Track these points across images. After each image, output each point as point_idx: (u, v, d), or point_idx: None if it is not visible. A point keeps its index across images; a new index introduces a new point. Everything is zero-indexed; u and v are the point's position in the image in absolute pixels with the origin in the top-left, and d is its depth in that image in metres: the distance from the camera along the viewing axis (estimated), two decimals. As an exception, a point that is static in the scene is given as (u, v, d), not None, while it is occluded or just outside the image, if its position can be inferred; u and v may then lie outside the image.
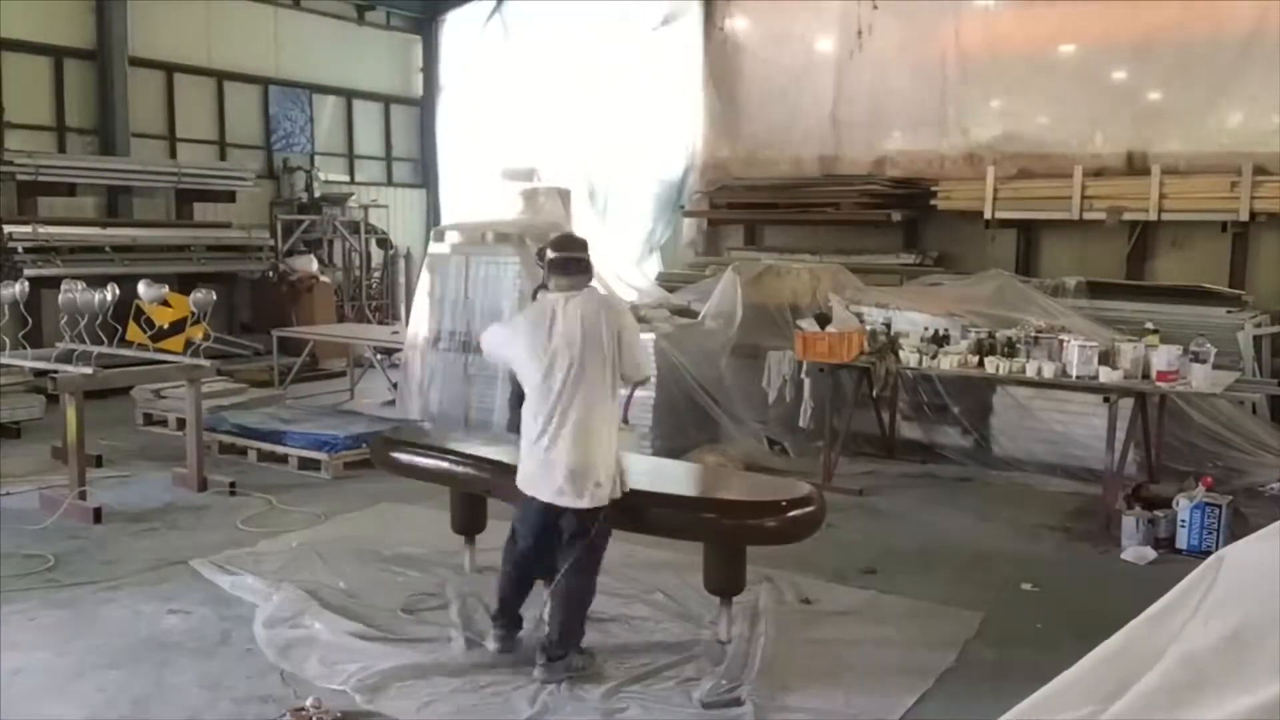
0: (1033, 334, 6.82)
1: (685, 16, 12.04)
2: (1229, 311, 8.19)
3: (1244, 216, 8.85)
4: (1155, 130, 9.56)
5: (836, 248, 10.70)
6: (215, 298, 7.36)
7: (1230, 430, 7.49)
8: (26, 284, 6.87)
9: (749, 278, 8.84)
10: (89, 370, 6.29)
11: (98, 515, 5.98)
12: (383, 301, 13.72)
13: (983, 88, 10.39)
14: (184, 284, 8.62)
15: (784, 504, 4.30)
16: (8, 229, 9.72)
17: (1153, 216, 9.20)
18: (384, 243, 13.91)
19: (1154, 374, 6.20)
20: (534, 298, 4.65)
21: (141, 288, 7.19)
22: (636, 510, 4.52)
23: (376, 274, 13.84)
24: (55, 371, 6.36)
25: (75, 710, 3.76)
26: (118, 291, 6.74)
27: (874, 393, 7.24)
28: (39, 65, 10.94)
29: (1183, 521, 5.74)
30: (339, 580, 5.05)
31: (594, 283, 4.32)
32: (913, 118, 10.70)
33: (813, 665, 4.20)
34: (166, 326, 7.83)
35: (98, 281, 6.79)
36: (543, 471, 4.03)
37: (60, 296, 6.59)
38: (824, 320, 7.24)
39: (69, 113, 11.17)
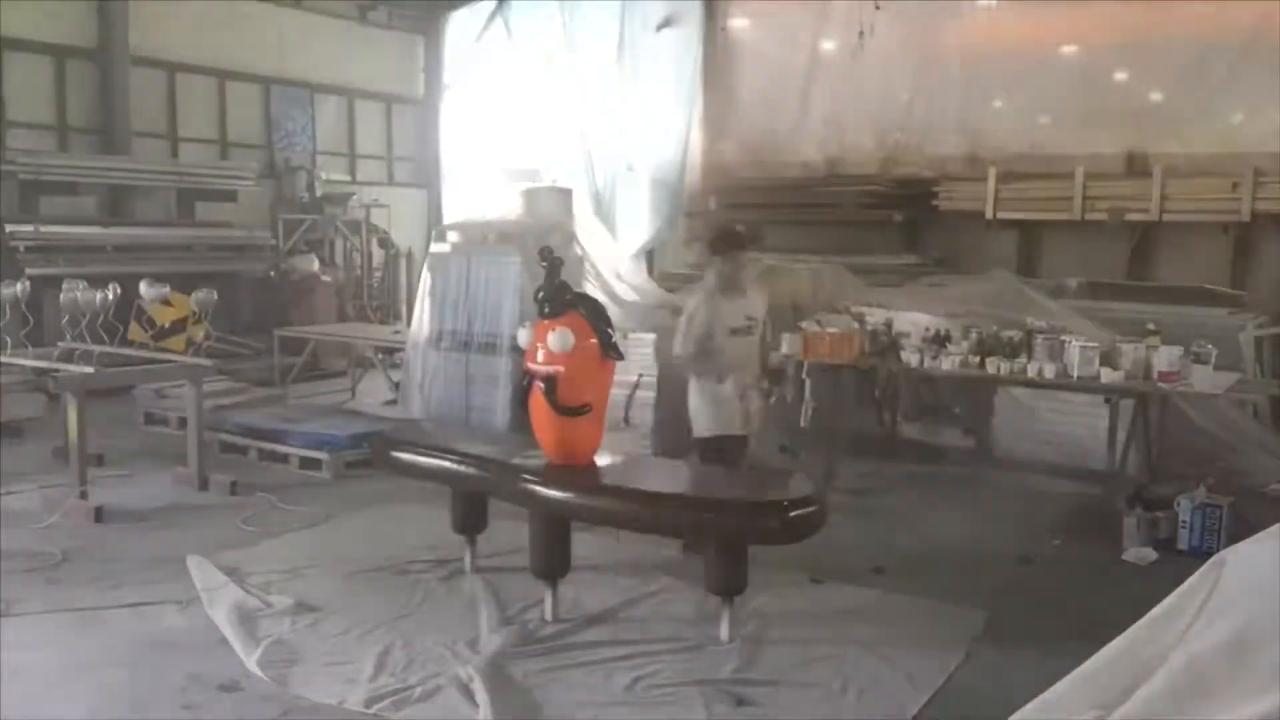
0: (1034, 335, 6.82)
1: (686, 17, 12.03)
2: (1230, 313, 8.18)
3: (1245, 217, 8.86)
4: (1156, 131, 9.56)
5: (838, 248, 10.69)
6: (216, 297, 7.38)
7: (1231, 432, 7.48)
8: (28, 283, 6.88)
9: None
10: (90, 369, 6.29)
11: (99, 514, 5.98)
12: (384, 301, 13.72)
13: (984, 88, 10.39)
14: (185, 283, 8.62)
15: (786, 504, 4.29)
16: (9, 228, 9.73)
17: (1154, 217, 9.20)
18: (385, 242, 13.91)
19: (1155, 375, 6.19)
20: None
21: (143, 287, 7.21)
22: (638, 510, 4.54)
23: (378, 274, 13.84)
24: (57, 371, 6.36)
25: (75, 710, 3.76)
26: (119, 291, 6.74)
27: (875, 393, 7.25)
28: (41, 64, 10.93)
29: (1184, 523, 5.74)
30: (339, 580, 5.05)
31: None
32: (914, 118, 10.70)
33: (821, 665, 4.19)
34: (168, 326, 7.86)
35: (99, 281, 6.80)
36: None
37: (62, 296, 6.60)
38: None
39: (71, 112, 11.17)
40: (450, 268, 8.58)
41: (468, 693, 3.87)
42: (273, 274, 12.03)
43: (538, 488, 4.58)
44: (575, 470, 4.66)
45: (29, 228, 9.85)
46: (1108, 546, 5.77)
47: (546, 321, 4.52)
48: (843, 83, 11.01)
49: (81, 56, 11.16)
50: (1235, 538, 2.24)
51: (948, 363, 6.85)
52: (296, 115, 13.45)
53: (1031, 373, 6.54)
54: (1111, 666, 2.07)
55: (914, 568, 5.44)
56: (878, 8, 10.57)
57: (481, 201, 10.06)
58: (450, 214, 13.72)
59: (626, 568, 5.18)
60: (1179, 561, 5.39)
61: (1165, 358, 6.17)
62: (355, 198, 13.60)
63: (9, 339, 6.68)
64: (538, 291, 4.65)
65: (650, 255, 12.20)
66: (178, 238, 11.30)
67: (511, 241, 8.42)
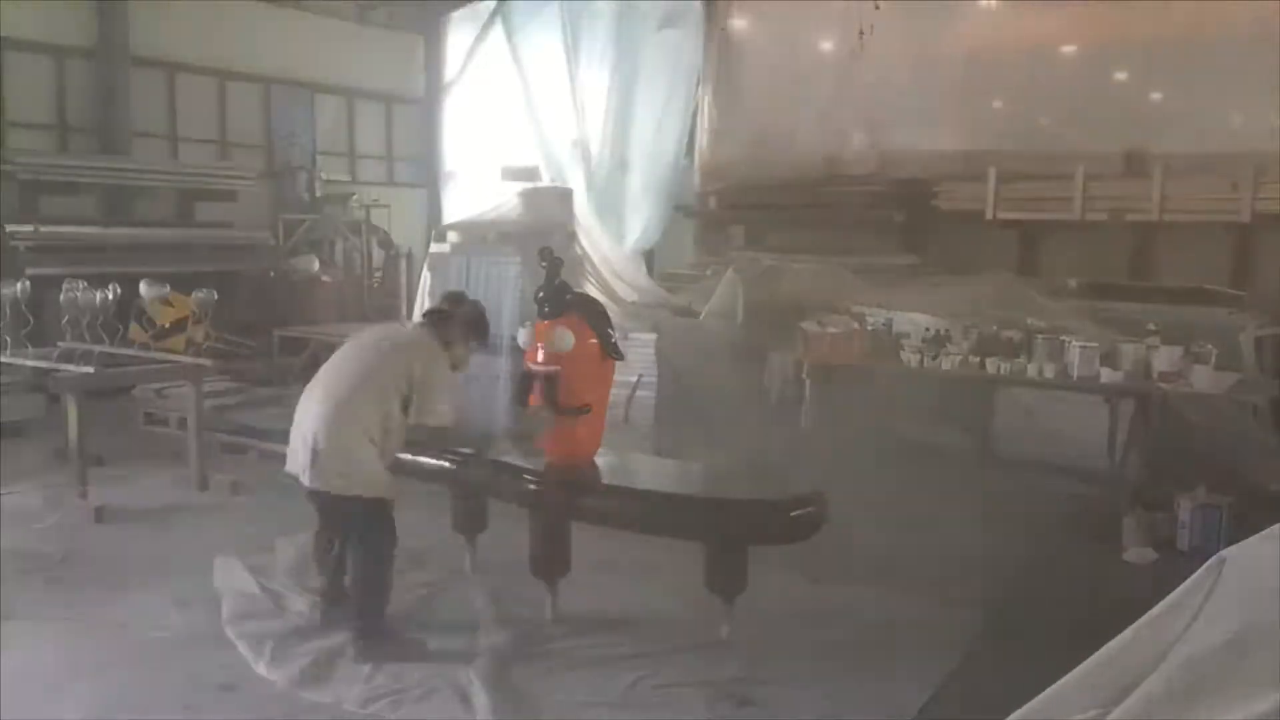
0: (1034, 335, 6.82)
1: (686, 17, 12.03)
2: (1230, 313, 8.18)
3: (1245, 218, 8.86)
4: (1156, 131, 9.56)
5: (838, 248, 10.68)
6: (216, 297, 7.37)
7: (1231, 432, 7.47)
8: (28, 283, 6.87)
9: (750, 278, 8.84)
10: (90, 369, 6.29)
11: (99, 514, 5.99)
12: (384, 301, 13.70)
13: (984, 88, 10.39)
14: (185, 283, 8.61)
15: (786, 504, 4.29)
16: (9, 228, 9.73)
17: (1154, 217, 9.20)
18: (385, 242, 13.90)
19: (1155, 375, 6.20)
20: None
21: (143, 287, 7.20)
22: (638, 509, 4.54)
23: (378, 274, 13.83)
24: (57, 370, 6.35)
25: (75, 710, 3.76)
26: (119, 291, 6.74)
27: (876, 393, 7.25)
28: (40, 64, 10.94)
29: (1184, 523, 5.74)
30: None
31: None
32: (914, 118, 10.70)
33: (820, 667, 4.20)
34: (168, 326, 7.84)
35: (99, 281, 6.79)
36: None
37: (62, 296, 6.60)
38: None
39: (70, 112, 11.17)
40: (450, 268, 8.57)
41: (466, 694, 3.87)
42: (273, 274, 12.02)
43: (538, 488, 4.58)
44: (575, 470, 4.66)
45: (29, 228, 9.84)
46: (1108, 546, 5.77)
47: (546, 321, 4.52)
48: (843, 83, 11.01)
49: (81, 56, 11.16)
50: (1235, 538, 2.24)
51: (948, 363, 6.86)
52: (296, 115, 13.45)
53: (1031, 373, 6.55)
54: (1111, 666, 2.07)
55: (915, 568, 5.43)
56: (877, 8, 10.56)
57: (481, 201, 10.05)
58: (450, 214, 13.72)
59: (626, 568, 5.18)
60: (1179, 561, 5.39)
61: (1165, 358, 6.18)
62: (355, 198, 13.60)
63: (9, 339, 6.68)
64: (538, 291, 4.65)
65: (650, 255, 12.20)
66: (178, 238, 11.28)
67: (511, 241, 8.42)
